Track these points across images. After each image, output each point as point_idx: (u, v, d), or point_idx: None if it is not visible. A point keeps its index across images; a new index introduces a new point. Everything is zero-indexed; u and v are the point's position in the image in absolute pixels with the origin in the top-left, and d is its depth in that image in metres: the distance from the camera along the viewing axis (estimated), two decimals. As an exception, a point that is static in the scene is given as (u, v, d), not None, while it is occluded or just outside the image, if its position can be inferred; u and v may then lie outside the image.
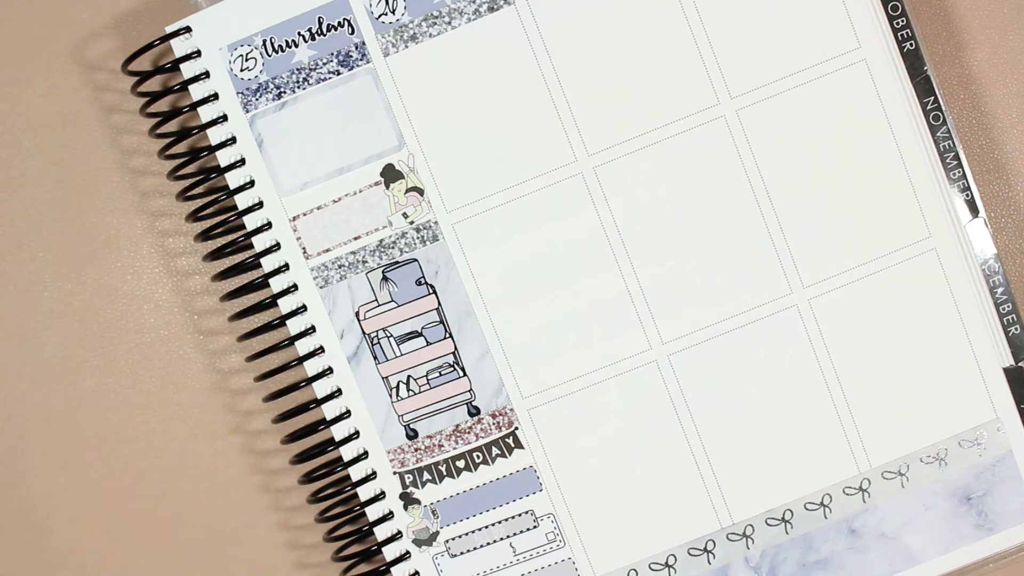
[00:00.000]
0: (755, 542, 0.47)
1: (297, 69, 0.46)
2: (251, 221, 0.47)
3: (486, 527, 0.48)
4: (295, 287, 0.47)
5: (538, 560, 0.48)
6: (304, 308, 0.47)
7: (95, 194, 0.50)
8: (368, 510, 0.48)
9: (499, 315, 0.47)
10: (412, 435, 0.47)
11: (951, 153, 0.46)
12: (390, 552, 0.48)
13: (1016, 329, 0.46)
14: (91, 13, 0.49)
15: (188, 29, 0.46)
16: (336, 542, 0.48)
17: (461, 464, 0.47)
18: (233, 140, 0.46)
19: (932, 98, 0.46)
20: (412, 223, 0.46)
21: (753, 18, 0.45)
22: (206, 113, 0.46)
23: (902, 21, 0.46)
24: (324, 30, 0.46)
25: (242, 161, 0.46)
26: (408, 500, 0.48)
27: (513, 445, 0.47)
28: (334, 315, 0.47)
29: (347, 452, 0.47)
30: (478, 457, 0.47)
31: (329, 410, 0.47)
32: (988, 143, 0.49)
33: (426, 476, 0.47)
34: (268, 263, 0.47)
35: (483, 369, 0.47)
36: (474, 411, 0.47)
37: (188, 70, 0.46)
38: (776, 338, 0.46)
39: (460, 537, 0.48)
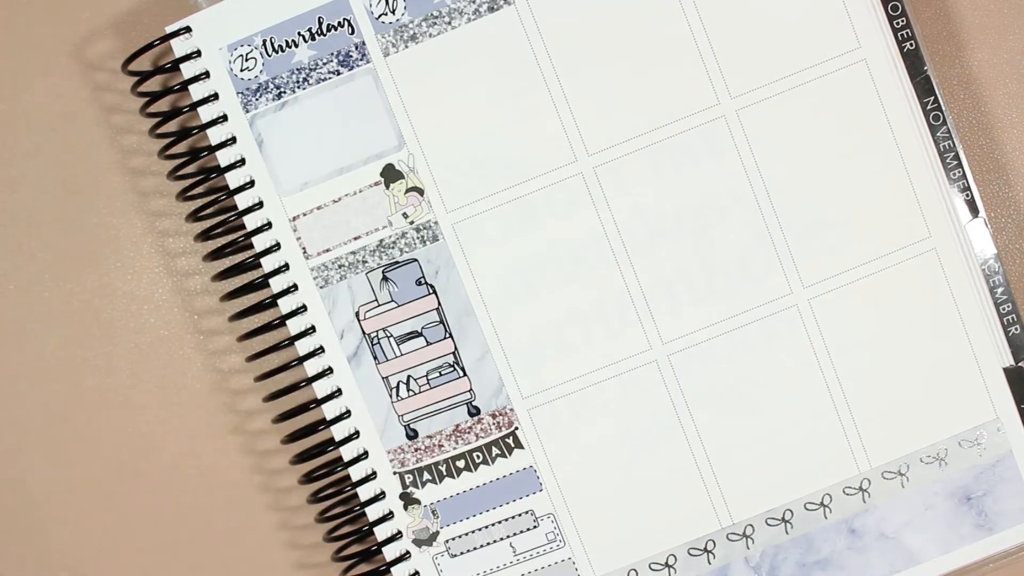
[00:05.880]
0: (755, 542, 0.47)
1: (297, 69, 0.46)
2: (251, 221, 0.47)
3: (486, 527, 0.48)
4: (295, 287, 0.47)
5: (538, 560, 0.48)
6: (304, 308, 0.47)
7: (95, 194, 0.50)
8: (368, 510, 0.48)
9: (499, 315, 0.47)
10: (412, 435, 0.47)
11: (951, 153, 0.46)
12: (390, 552, 0.48)
13: (1016, 329, 0.46)
14: (91, 13, 0.49)
15: (188, 29, 0.46)
16: (336, 542, 0.48)
17: (461, 464, 0.47)
18: (233, 140, 0.46)
19: (932, 98, 0.46)
20: (412, 223, 0.46)
21: (753, 18, 0.45)
22: (206, 113, 0.46)
23: (902, 21, 0.46)
24: (324, 30, 0.46)
25: (242, 161, 0.46)
26: (408, 500, 0.48)
27: (513, 445, 0.47)
28: (334, 315, 0.47)
29: (347, 452, 0.47)
30: (478, 457, 0.47)
31: (329, 410, 0.47)
32: (988, 143, 0.49)
33: (426, 476, 0.47)
34: (268, 263, 0.47)
35: (483, 369, 0.47)
36: (474, 411, 0.47)
37: (188, 70, 0.46)
38: (776, 338, 0.46)
39: (460, 537, 0.48)
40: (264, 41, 0.46)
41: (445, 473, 0.47)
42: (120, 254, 0.50)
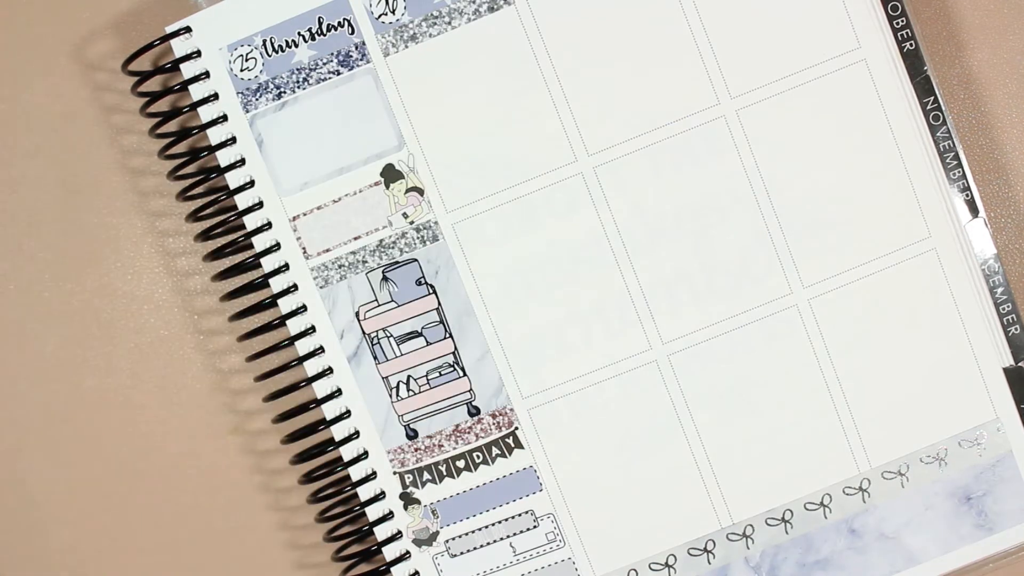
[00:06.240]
0: (755, 542, 0.47)
1: (297, 69, 0.46)
2: (251, 221, 0.47)
3: (486, 527, 0.48)
4: (295, 287, 0.47)
5: (538, 560, 0.48)
6: (304, 308, 0.47)
7: (95, 194, 0.50)
8: (368, 510, 0.48)
9: (499, 315, 0.47)
10: (412, 435, 0.47)
11: (951, 153, 0.46)
12: (390, 552, 0.48)
13: (1016, 329, 0.46)
14: (91, 13, 0.49)
15: (188, 29, 0.46)
16: (336, 542, 0.48)
17: (461, 464, 0.47)
18: (233, 140, 0.46)
19: (932, 98, 0.46)
20: (412, 223, 0.47)
21: (753, 18, 0.45)
22: (206, 113, 0.46)
23: (902, 21, 0.46)
24: (324, 30, 0.46)
25: (242, 161, 0.46)
26: (408, 500, 0.48)
27: (513, 445, 0.47)
28: (334, 315, 0.47)
29: (347, 452, 0.47)
30: (478, 457, 0.47)
31: (329, 410, 0.47)
32: (988, 143, 0.49)
33: (426, 476, 0.47)
34: (268, 263, 0.47)
35: (483, 369, 0.47)
36: (474, 411, 0.47)
37: (188, 70, 0.46)
38: (776, 338, 0.46)
39: (460, 537, 0.48)
40: (264, 41, 0.46)
41: (445, 473, 0.47)
42: (120, 254, 0.50)
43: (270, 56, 0.46)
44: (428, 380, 0.47)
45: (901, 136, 0.46)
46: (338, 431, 0.47)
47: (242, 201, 0.47)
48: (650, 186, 0.46)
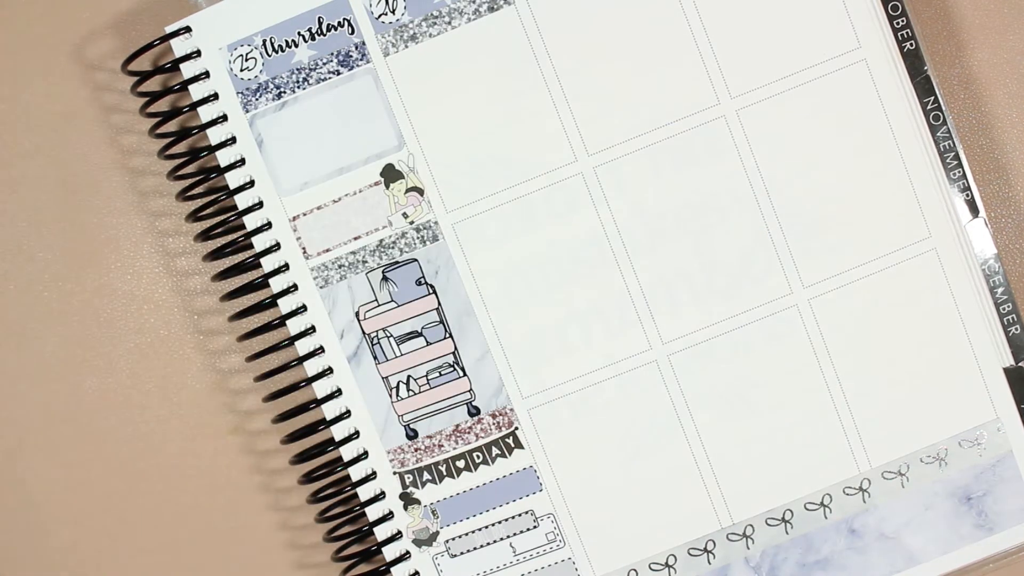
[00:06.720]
0: (755, 542, 0.47)
1: (297, 69, 0.46)
2: (251, 221, 0.47)
3: (486, 527, 0.48)
4: (295, 287, 0.47)
5: (538, 560, 0.48)
6: (304, 308, 0.47)
7: (95, 194, 0.50)
8: (368, 510, 0.48)
9: (499, 315, 0.47)
10: (412, 435, 0.47)
11: (951, 153, 0.46)
12: (390, 552, 0.48)
13: (1016, 329, 0.46)
14: (91, 13, 0.49)
15: (188, 29, 0.46)
16: (336, 542, 0.48)
17: (461, 464, 0.47)
18: (233, 140, 0.46)
19: (932, 98, 0.46)
20: (412, 223, 0.46)
21: (753, 18, 0.45)
22: (206, 113, 0.46)
23: (902, 21, 0.46)
24: (324, 30, 0.46)
25: (242, 161, 0.46)
26: (408, 500, 0.48)
27: (513, 445, 0.47)
28: (334, 315, 0.47)
29: (347, 452, 0.47)
30: (478, 457, 0.47)
31: (329, 410, 0.47)
32: (988, 143, 0.49)
33: (426, 476, 0.47)
34: (268, 263, 0.47)
35: (483, 369, 0.47)
36: (474, 411, 0.47)
37: (188, 70, 0.46)
38: (776, 338, 0.46)
39: (460, 537, 0.48)
40: (264, 41, 0.46)
41: (445, 473, 0.47)
42: (120, 254, 0.50)
43: (270, 56, 0.46)
44: (428, 380, 0.47)
45: (901, 136, 0.46)
46: (338, 431, 0.47)
47: (242, 201, 0.47)
48: (650, 186, 0.46)
